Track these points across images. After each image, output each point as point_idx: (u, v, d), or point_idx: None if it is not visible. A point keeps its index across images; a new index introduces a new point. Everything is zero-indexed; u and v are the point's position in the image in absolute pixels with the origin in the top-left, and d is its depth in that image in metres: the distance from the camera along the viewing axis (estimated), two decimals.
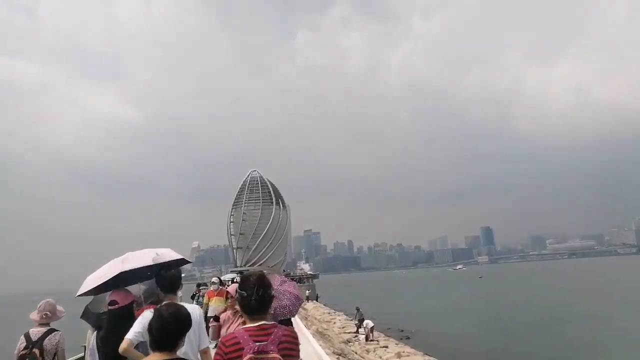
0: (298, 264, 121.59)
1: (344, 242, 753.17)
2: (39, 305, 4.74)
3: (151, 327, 2.36)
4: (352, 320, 32.98)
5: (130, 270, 4.18)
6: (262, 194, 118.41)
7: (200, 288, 14.58)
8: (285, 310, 7.95)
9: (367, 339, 22.88)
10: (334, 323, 31.64)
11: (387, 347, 21.34)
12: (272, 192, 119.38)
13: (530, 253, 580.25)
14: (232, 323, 4.38)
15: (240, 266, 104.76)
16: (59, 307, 4.85)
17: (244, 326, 2.52)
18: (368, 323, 23.73)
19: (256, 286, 2.48)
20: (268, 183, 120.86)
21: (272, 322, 2.54)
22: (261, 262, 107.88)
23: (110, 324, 3.98)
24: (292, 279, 8.39)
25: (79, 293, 4.42)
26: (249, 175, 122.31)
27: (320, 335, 17.03)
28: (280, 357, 2.33)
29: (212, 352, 2.86)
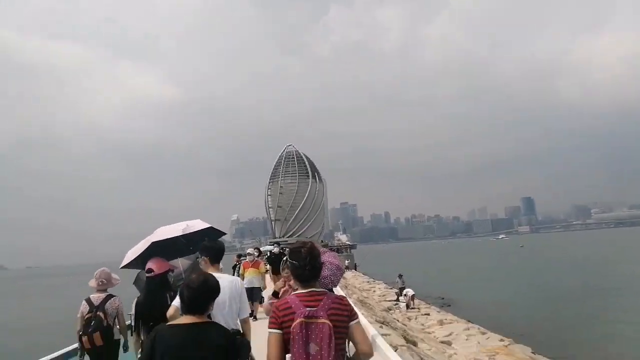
0: (335, 235, 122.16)
1: (380, 213, 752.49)
2: (95, 273, 5.32)
3: (182, 293, 2.56)
4: (392, 288, 32.90)
5: (166, 244, 4.52)
6: (298, 168, 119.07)
7: (241, 259, 14.69)
8: (326, 281, 7.76)
9: (408, 307, 22.71)
10: (374, 291, 31.64)
11: (428, 314, 21.12)
12: (307, 166, 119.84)
13: (574, 222, 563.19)
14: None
15: (279, 237, 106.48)
16: (114, 275, 5.45)
17: (295, 292, 2.64)
18: (409, 291, 23.52)
19: (308, 257, 2.61)
20: (304, 157, 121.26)
21: (322, 290, 2.64)
22: (299, 233, 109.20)
23: (147, 291, 4.34)
24: (331, 249, 8.19)
25: (121, 265, 4.84)
26: (285, 150, 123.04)
27: (362, 303, 16.92)
28: (330, 322, 2.40)
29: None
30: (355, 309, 8.90)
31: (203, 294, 2.54)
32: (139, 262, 4.63)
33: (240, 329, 3.63)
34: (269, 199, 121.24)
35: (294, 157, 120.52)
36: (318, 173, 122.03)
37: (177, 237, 4.58)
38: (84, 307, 5.09)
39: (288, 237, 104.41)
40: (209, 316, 3.18)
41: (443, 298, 31.03)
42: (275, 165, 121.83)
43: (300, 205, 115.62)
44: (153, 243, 4.47)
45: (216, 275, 3.55)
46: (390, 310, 21.39)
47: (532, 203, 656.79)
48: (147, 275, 4.39)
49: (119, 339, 5.20)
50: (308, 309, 2.43)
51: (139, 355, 4.17)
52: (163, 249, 4.59)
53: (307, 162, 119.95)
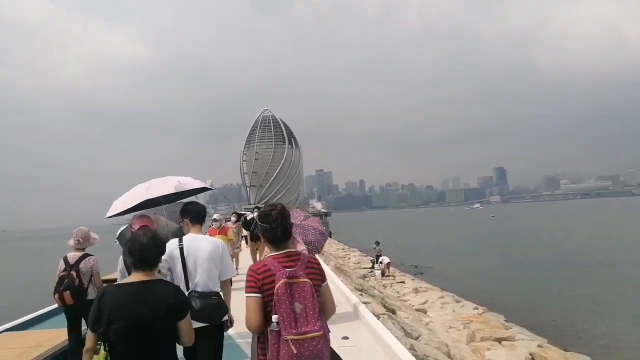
0: (310, 202, 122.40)
1: (355, 181, 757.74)
2: (73, 232, 5.33)
3: (132, 250, 2.52)
4: (367, 255, 33.13)
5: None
6: (274, 133, 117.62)
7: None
8: (310, 247, 7.36)
9: (383, 274, 22.82)
10: (349, 259, 31.81)
11: (403, 282, 21.28)
12: (284, 131, 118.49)
13: (543, 193, 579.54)
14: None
15: (254, 204, 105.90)
16: (92, 234, 5.48)
17: (271, 254, 2.63)
18: (384, 259, 23.60)
19: (279, 218, 2.65)
20: (280, 122, 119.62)
21: (297, 250, 2.70)
22: (274, 200, 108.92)
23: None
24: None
25: (107, 215, 4.77)
26: (261, 114, 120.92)
27: (339, 270, 16.80)
28: (310, 281, 2.46)
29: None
30: (334, 275, 8.61)
31: (152, 249, 2.53)
32: (128, 211, 4.66)
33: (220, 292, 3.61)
34: (244, 165, 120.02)
35: (270, 122, 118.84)
36: (294, 139, 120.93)
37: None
38: (60, 265, 5.11)
39: (263, 203, 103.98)
40: (187, 276, 3.47)
41: (416, 266, 31.36)
42: (250, 130, 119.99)
43: (276, 172, 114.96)
44: (146, 201, 4.48)
45: (196, 236, 3.68)
46: (365, 277, 21.44)
47: (504, 173, 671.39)
48: (132, 232, 4.32)
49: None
50: (288, 269, 2.46)
51: None
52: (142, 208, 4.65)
53: (283, 128, 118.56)
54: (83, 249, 5.33)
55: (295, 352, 2.32)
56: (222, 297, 3.59)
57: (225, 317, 3.53)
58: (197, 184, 4.91)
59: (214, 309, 3.45)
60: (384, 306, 10.47)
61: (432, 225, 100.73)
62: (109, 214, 4.75)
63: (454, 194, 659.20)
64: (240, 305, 2.64)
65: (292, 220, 8.16)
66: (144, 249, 2.50)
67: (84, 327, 4.93)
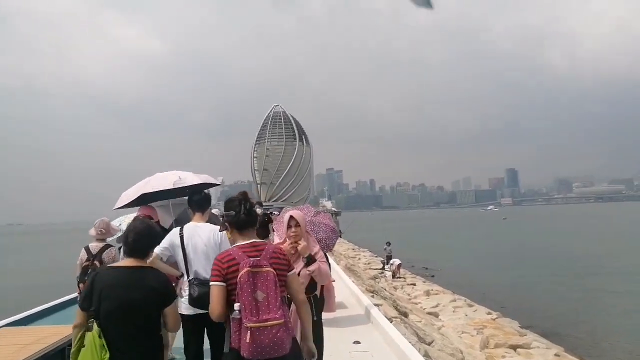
0: (320, 201, 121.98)
1: (366, 181, 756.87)
2: (95, 223, 5.40)
3: (127, 236, 2.66)
4: (377, 256, 32.74)
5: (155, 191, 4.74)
6: (285, 130, 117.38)
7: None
8: (320, 244, 7.00)
9: (393, 275, 22.46)
10: (359, 259, 31.46)
11: (414, 284, 20.90)
12: (295, 128, 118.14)
13: (555, 196, 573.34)
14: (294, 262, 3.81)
15: (264, 202, 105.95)
16: (113, 225, 5.63)
17: (236, 244, 2.71)
18: (395, 260, 23.23)
19: (241, 202, 2.73)
20: (291, 118, 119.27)
21: (263, 240, 2.80)
22: (284, 197, 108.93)
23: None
24: None
25: (114, 207, 5.10)
26: (272, 110, 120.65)
27: (350, 271, 16.50)
28: (274, 271, 2.53)
29: None
30: (345, 275, 8.32)
31: (145, 238, 2.67)
32: (132, 205, 4.92)
33: None
34: (255, 162, 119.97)
35: (281, 118, 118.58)
36: (305, 136, 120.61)
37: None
38: (83, 255, 5.22)
39: (273, 201, 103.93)
40: (187, 264, 3.62)
41: (427, 268, 30.84)
42: (261, 127, 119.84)
43: (287, 169, 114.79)
44: (142, 195, 4.68)
45: (197, 224, 3.81)
46: (376, 278, 21.11)
47: (515, 175, 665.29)
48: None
49: None
50: (252, 259, 2.53)
51: None
52: (154, 193, 4.81)
53: (294, 124, 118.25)
54: (104, 240, 5.44)
55: (254, 339, 2.40)
56: None
57: None
58: (197, 179, 4.99)
59: None
60: (396, 309, 10.16)
61: (443, 226, 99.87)
62: (116, 205, 5.07)
63: (465, 196, 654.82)
64: None
65: (303, 216, 7.64)
66: (137, 237, 2.64)
67: None
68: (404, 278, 22.52)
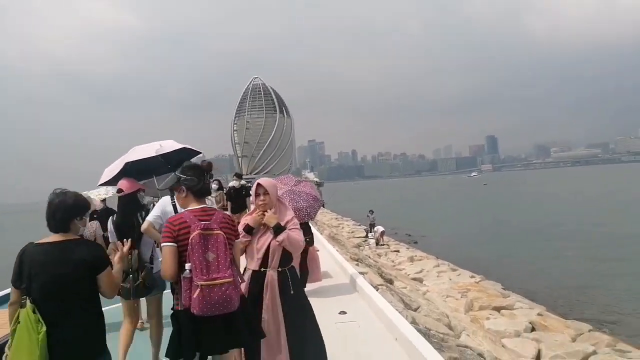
0: (303, 173, 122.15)
1: (347, 151, 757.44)
2: None
3: (46, 212, 2.57)
4: (360, 225, 32.89)
5: (140, 164, 4.68)
6: (265, 102, 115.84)
7: None
8: (302, 213, 6.75)
9: (377, 243, 22.56)
10: (342, 228, 31.56)
11: (398, 251, 21.03)
12: (275, 100, 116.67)
13: (534, 161, 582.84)
14: (262, 234, 3.44)
15: (246, 175, 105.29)
16: (94, 200, 5.78)
17: (187, 209, 2.85)
18: (378, 228, 23.31)
19: (206, 172, 2.96)
20: (271, 90, 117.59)
21: (212, 207, 2.96)
22: (267, 170, 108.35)
23: (119, 209, 4.45)
24: None
25: (98, 183, 5.03)
26: (251, 82, 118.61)
27: (333, 240, 16.44)
28: (223, 234, 2.70)
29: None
30: (328, 244, 8.12)
31: (60, 211, 2.55)
32: (116, 181, 4.73)
33: None
34: (235, 135, 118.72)
35: (260, 91, 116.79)
36: (286, 108, 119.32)
37: (152, 157, 4.70)
38: None
39: (255, 174, 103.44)
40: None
41: (410, 235, 31.13)
42: (241, 99, 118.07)
43: (268, 141, 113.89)
44: (127, 163, 4.59)
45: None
46: (360, 246, 21.16)
47: (495, 142, 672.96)
48: (118, 195, 4.52)
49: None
50: (203, 222, 2.69)
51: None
52: (138, 169, 4.74)
53: (274, 96, 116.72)
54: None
55: (204, 296, 2.55)
56: None
57: None
58: (179, 145, 5.01)
59: None
60: (381, 276, 10.12)
61: (425, 193, 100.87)
62: (100, 182, 5.02)
63: (446, 163, 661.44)
64: None
65: (282, 186, 7.36)
66: (51, 211, 2.55)
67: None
68: (388, 245, 22.64)
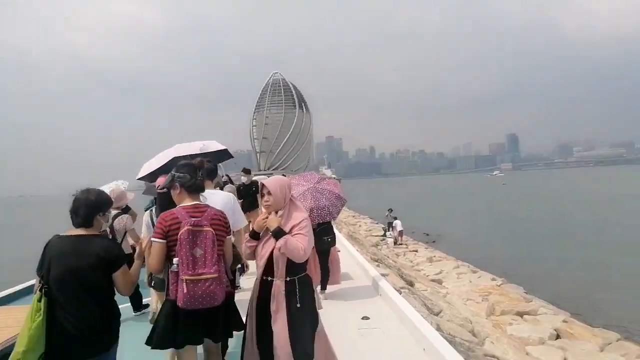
0: (320, 169, 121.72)
1: (365, 148, 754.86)
2: (109, 191, 5.32)
3: (71, 207, 2.69)
4: (377, 223, 32.60)
5: (173, 163, 4.61)
6: (284, 97, 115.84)
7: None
8: (323, 212, 6.54)
9: (395, 242, 22.34)
10: (360, 226, 31.37)
11: (416, 251, 20.80)
12: (295, 95, 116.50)
13: (556, 160, 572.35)
14: (267, 240, 3.13)
15: (264, 170, 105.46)
16: (128, 194, 5.80)
17: (180, 205, 2.92)
18: (397, 223, 22.98)
19: (199, 169, 3.02)
20: (291, 86, 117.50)
21: (205, 204, 2.99)
22: (284, 166, 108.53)
23: (159, 205, 4.41)
24: None
25: (137, 177, 5.13)
26: (271, 77, 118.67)
27: (352, 238, 16.28)
28: (213, 231, 2.78)
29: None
30: (348, 243, 7.91)
31: (82, 208, 2.66)
32: (154, 176, 4.82)
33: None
34: (254, 130, 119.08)
35: (280, 86, 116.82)
36: (305, 103, 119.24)
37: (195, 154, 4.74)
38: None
39: (273, 169, 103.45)
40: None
41: (428, 234, 30.69)
42: (260, 94, 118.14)
43: (287, 137, 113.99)
44: (174, 158, 4.67)
45: (213, 191, 3.98)
46: (377, 246, 20.97)
47: (516, 140, 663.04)
48: (158, 190, 4.48)
49: (130, 254, 5.03)
50: (193, 219, 2.77)
51: None
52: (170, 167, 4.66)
53: (294, 92, 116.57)
54: (117, 208, 5.53)
55: (189, 290, 2.64)
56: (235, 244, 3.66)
57: (239, 265, 3.74)
58: (221, 146, 5.39)
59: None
60: (402, 278, 9.94)
61: (443, 192, 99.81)
62: (139, 175, 5.14)
63: (465, 162, 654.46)
64: None
65: (304, 183, 7.15)
66: (75, 207, 2.67)
67: None
68: (406, 245, 22.40)
